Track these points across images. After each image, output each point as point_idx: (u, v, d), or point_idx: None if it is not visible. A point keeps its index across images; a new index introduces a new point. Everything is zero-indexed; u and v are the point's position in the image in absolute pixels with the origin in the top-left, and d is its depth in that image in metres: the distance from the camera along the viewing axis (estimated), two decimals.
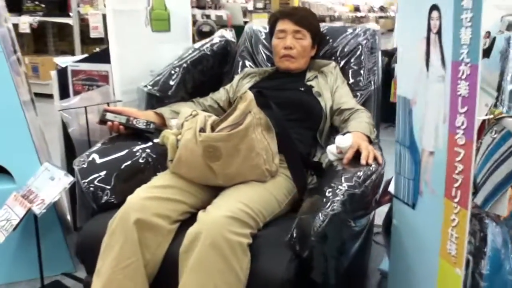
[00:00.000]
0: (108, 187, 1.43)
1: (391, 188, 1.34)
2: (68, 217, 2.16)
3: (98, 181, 1.43)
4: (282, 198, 1.41)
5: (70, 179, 1.62)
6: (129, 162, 1.52)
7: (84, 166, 1.44)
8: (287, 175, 1.48)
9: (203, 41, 2.05)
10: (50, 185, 1.63)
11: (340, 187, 1.20)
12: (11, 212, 1.65)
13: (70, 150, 1.97)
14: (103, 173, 1.45)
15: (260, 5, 6.16)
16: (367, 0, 13.52)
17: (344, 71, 1.93)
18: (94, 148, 1.52)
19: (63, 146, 2.05)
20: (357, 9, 12.28)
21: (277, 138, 1.46)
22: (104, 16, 5.05)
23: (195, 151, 1.34)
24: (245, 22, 7.34)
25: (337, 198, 1.17)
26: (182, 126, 1.42)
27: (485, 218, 1.15)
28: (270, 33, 1.95)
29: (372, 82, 1.89)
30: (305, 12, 1.92)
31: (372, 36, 1.95)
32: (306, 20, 1.87)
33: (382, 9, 13.67)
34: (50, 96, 2.15)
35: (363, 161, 1.32)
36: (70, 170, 1.74)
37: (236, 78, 1.95)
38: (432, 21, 1.01)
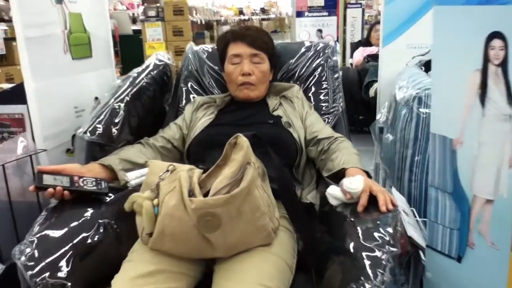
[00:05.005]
0: (66, 279, 1.07)
1: (411, 233, 1.17)
2: None
3: (51, 273, 1.06)
4: (292, 261, 1.17)
5: None
6: (85, 235, 1.17)
7: (29, 254, 1.07)
8: (286, 227, 1.25)
9: (138, 68, 1.72)
10: None
11: (379, 249, 1.00)
12: None
13: None
14: (54, 259, 1.08)
15: (152, 13, 5.73)
16: (247, 2, 13.62)
17: (306, 94, 1.74)
18: (36, 228, 1.14)
19: None
20: (241, 12, 12.26)
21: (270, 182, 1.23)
22: None
23: (184, 221, 1.04)
24: (135, 31, 6.88)
25: (383, 263, 0.97)
26: (157, 187, 1.12)
27: None
28: (221, 58, 1.69)
29: (339, 105, 1.73)
30: (258, 32, 1.68)
31: (333, 54, 1.79)
32: (262, 40, 1.64)
33: (263, 11, 13.86)
34: None
35: (383, 208, 1.13)
36: None
37: (188, 110, 1.66)
38: (493, 51, 0.86)
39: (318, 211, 1.38)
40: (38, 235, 1.11)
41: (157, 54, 1.81)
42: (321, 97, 1.74)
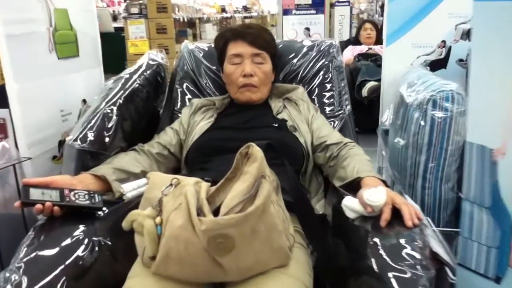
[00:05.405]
0: None
1: (436, 248, 1.08)
2: None
3: None
4: (309, 281, 1.06)
5: None
6: (78, 255, 1.04)
7: (16, 283, 0.94)
8: (300, 242, 1.15)
9: (130, 69, 1.60)
10: None
11: (411, 270, 0.91)
12: None
13: None
14: (45, 285, 0.95)
15: (135, 10, 5.56)
16: (229, 0, 13.48)
17: (310, 96, 1.64)
18: (23, 250, 1.01)
19: None
20: (223, 10, 12.11)
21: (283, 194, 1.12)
22: None
23: (192, 243, 0.92)
24: (116, 28, 6.69)
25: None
26: (160, 204, 1.00)
27: None
28: (220, 58, 1.57)
29: (346, 107, 1.63)
30: (259, 30, 1.57)
31: (338, 53, 1.69)
32: (263, 39, 1.53)
33: (246, 9, 13.75)
34: None
35: (409, 223, 1.04)
36: None
37: (185, 113, 1.55)
38: None
39: (331, 223, 1.28)
40: (25, 259, 0.98)
41: (149, 54, 1.69)
42: (326, 100, 1.64)
